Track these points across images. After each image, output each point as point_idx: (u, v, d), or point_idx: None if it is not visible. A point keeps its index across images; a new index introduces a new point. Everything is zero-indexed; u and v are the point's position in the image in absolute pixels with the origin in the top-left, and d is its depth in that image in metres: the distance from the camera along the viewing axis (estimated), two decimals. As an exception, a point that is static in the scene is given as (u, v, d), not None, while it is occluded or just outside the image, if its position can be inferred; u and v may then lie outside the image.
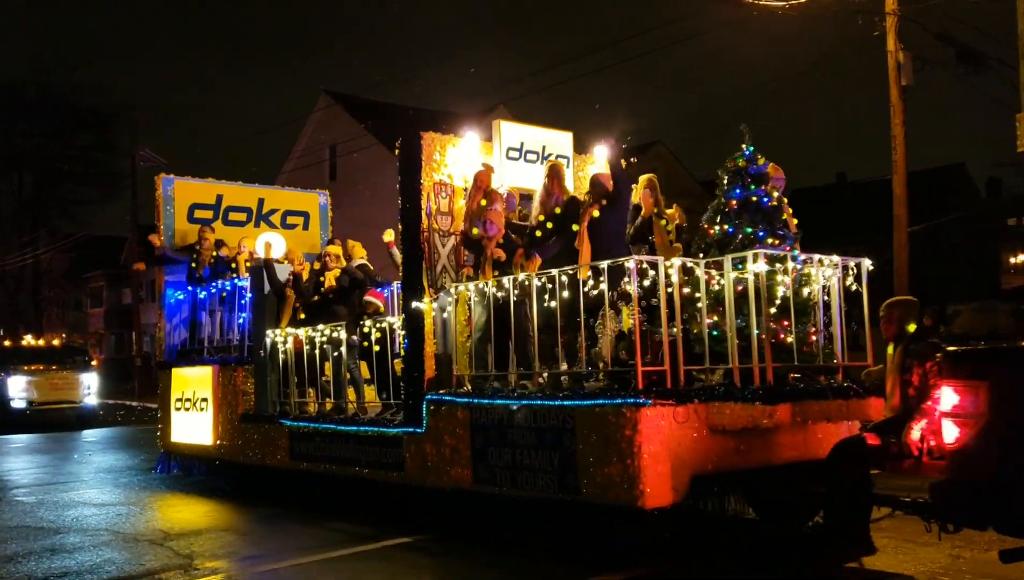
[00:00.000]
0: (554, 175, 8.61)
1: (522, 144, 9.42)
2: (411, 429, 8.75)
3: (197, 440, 12.41)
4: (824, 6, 16.75)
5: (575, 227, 8.00)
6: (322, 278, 10.47)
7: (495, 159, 9.24)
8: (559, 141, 9.74)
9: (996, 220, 45.33)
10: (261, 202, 14.85)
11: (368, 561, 7.50)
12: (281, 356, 10.92)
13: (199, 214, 14.18)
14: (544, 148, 9.58)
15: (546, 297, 7.65)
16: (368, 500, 9.52)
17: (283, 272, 11.36)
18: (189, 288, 13.13)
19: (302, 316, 10.73)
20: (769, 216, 7.42)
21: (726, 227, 7.45)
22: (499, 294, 8.11)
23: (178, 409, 12.94)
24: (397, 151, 9.03)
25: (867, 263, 7.57)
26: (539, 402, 7.42)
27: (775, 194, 7.53)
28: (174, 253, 13.70)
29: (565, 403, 7.18)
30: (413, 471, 8.76)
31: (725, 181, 7.61)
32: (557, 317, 7.57)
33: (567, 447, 7.15)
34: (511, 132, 9.37)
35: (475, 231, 8.38)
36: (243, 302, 12.03)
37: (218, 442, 11.96)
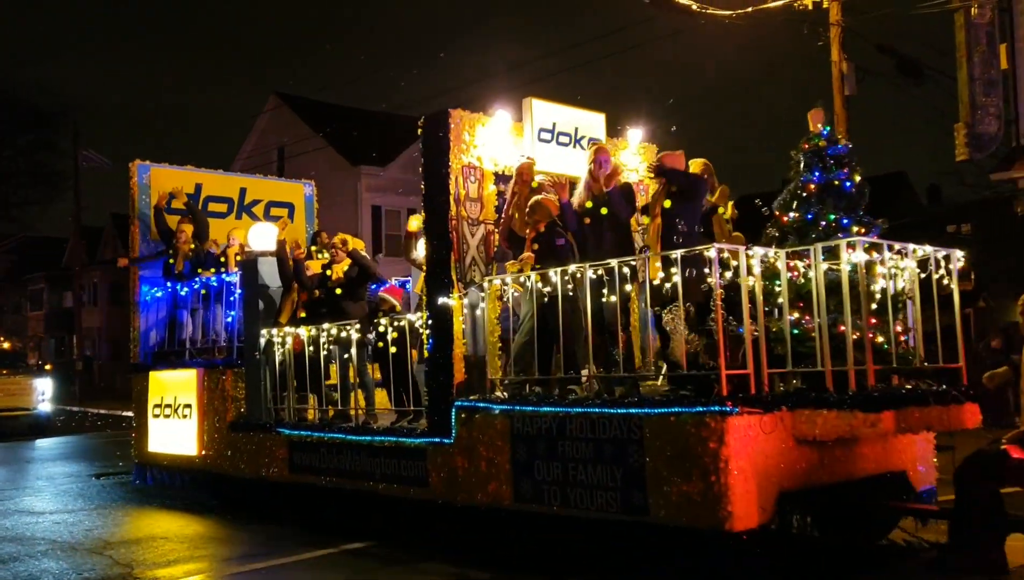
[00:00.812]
0: (600, 158, 7.79)
1: (554, 125, 8.56)
2: (437, 439, 7.85)
3: (179, 450, 11.35)
4: (771, 15, 16.81)
5: (644, 219, 7.16)
6: (328, 271, 9.49)
7: (526, 141, 8.38)
8: (592, 123, 8.90)
9: (936, 227, 45.77)
10: (243, 192, 13.83)
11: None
12: (278, 357, 9.93)
13: (177, 205, 13.10)
14: (576, 129, 8.74)
15: (604, 292, 6.82)
16: (382, 517, 8.57)
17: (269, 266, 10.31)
18: (168, 285, 12.06)
19: (302, 314, 9.73)
20: (852, 202, 6.68)
21: (804, 213, 6.68)
22: (545, 289, 7.24)
23: (156, 416, 11.85)
24: (420, 130, 8.12)
25: (959, 255, 6.85)
26: (598, 410, 6.56)
27: (857, 178, 6.78)
28: (149, 252, 12.64)
29: (632, 411, 6.33)
30: (439, 487, 7.85)
31: (801, 163, 6.85)
32: (617, 314, 6.74)
33: (633, 461, 6.31)
34: (543, 112, 8.50)
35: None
36: (231, 299, 11.01)
37: (203, 452, 10.92)
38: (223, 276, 11.18)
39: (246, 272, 10.48)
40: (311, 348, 9.45)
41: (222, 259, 11.50)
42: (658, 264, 6.51)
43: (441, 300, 7.84)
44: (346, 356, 9.07)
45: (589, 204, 7.49)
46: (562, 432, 6.80)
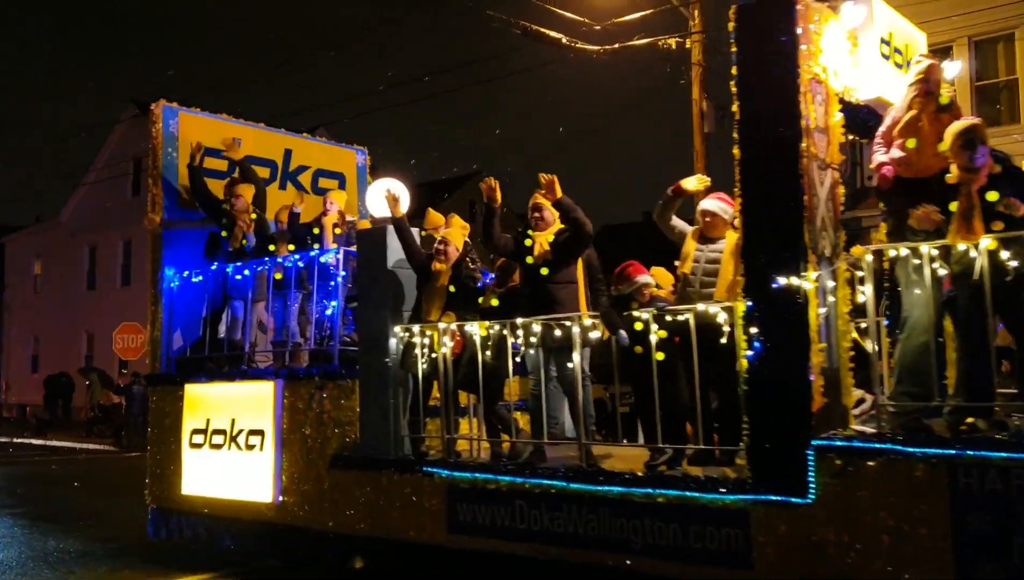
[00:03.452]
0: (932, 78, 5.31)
1: (891, 36, 5.96)
2: (774, 497, 5.08)
3: (237, 494, 8.13)
4: (636, 52, 17.34)
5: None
6: (528, 241, 6.55)
7: (865, 52, 5.75)
8: (920, 44, 6.36)
9: None
10: (288, 155, 10.71)
11: None
12: (422, 366, 6.95)
13: (210, 163, 9.91)
14: (907, 47, 6.17)
15: None
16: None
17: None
18: (213, 267, 8.86)
19: (494, 302, 6.80)
20: None
21: None
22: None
23: (196, 446, 8.59)
24: (734, 24, 5.36)
25: None
26: None
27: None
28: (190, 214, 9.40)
29: None
30: (773, 568, 5.07)
31: None
32: None
33: None
34: (885, 17, 5.89)
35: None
36: (332, 285, 7.94)
37: (282, 499, 7.77)
38: (310, 253, 8.10)
39: (367, 246, 7.44)
40: (487, 353, 6.54)
41: (315, 230, 8.40)
42: None
43: (782, 281, 5.09)
44: (571, 364, 6.15)
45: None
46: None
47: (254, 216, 8.83)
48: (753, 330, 5.17)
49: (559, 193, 6.27)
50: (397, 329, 7.14)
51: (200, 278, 9.00)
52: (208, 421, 8.49)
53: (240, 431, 8.16)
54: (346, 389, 7.52)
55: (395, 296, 7.30)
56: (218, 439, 8.36)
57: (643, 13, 17.05)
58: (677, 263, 6.21)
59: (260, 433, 7.99)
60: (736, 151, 5.32)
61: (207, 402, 8.56)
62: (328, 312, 7.90)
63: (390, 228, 7.29)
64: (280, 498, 7.78)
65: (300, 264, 8.14)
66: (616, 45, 17.16)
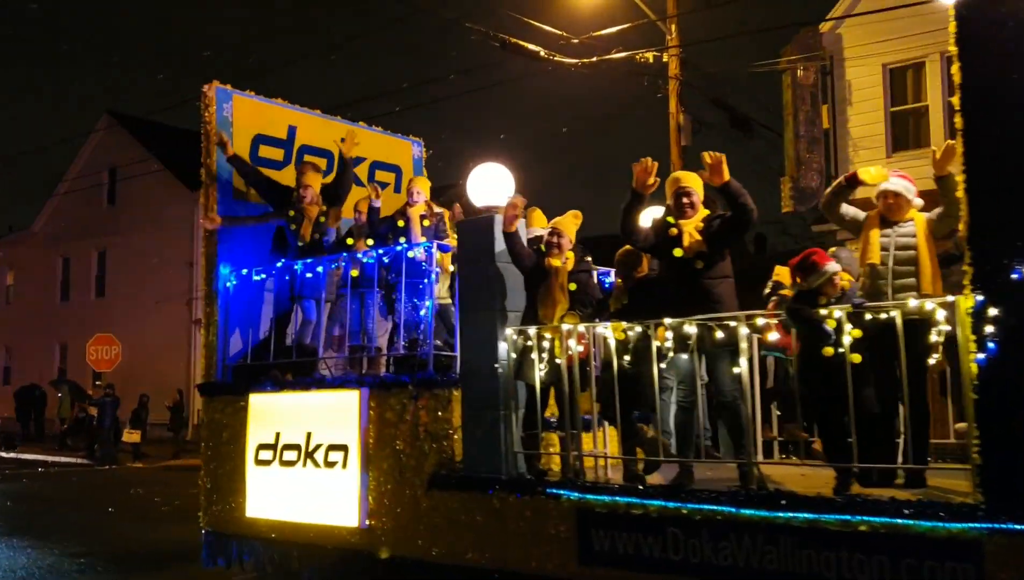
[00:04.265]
0: None
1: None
2: (1015, 526, 4.30)
3: (314, 518, 7.27)
4: (613, 66, 17.40)
5: None
6: (673, 230, 5.70)
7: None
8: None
9: (761, 274, 45.79)
10: (343, 145, 9.88)
11: None
12: (539, 374, 6.13)
13: (265, 152, 9.10)
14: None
15: None
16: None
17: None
18: (279, 264, 8.02)
19: (624, 301, 5.98)
20: None
21: None
22: None
23: (263, 463, 7.72)
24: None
25: None
26: None
27: None
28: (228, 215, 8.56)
29: None
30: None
31: None
32: None
33: None
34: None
35: None
36: (421, 285, 7.12)
37: (370, 523, 6.92)
38: (395, 248, 7.27)
39: (471, 238, 6.62)
40: (625, 358, 5.74)
41: (400, 223, 7.57)
42: None
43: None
44: (737, 370, 5.34)
45: None
46: None
47: (324, 208, 8.00)
48: (988, 329, 4.40)
49: (727, 175, 5.49)
50: (509, 331, 6.32)
51: (262, 277, 8.17)
52: (278, 435, 7.63)
53: (318, 446, 7.31)
54: (443, 399, 6.70)
55: (503, 294, 6.49)
56: (291, 455, 7.50)
57: (621, 27, 17.20)
58: (856, 253, 5.45)
59: (342, 448, 7.14)
60: (959, 120, 4.55)
61: (276, 414, 7.70)
62: (422, 312, 7.07)
63: (499, 217, 6.48)
64: (367, 522, 6.94)
65: (385, 259, 7.31)
66: (594, 58, 17.23)
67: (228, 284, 8.40)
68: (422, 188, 7.80)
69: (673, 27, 17.58)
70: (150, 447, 22.55)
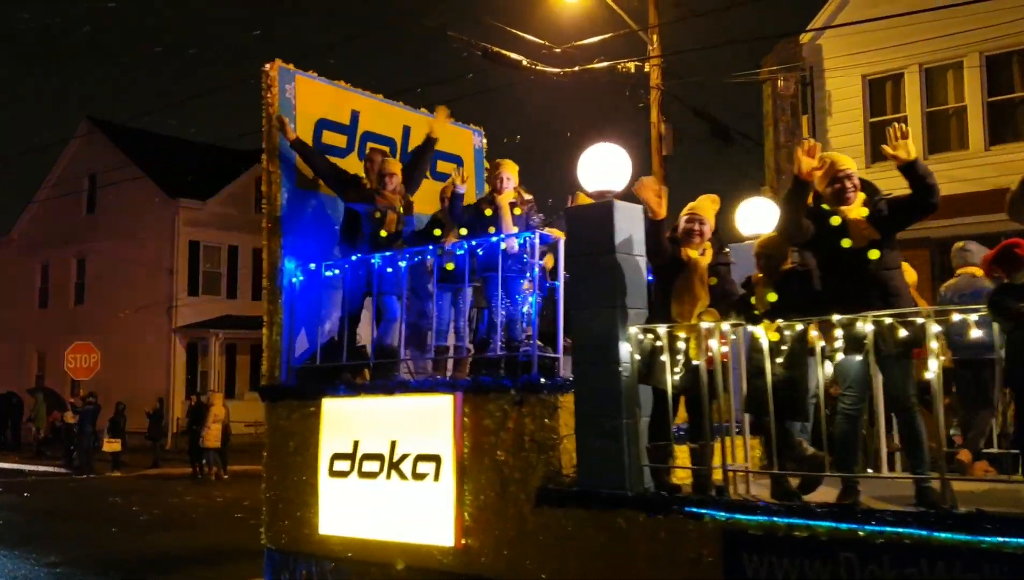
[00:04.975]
0: None
1: None
2: None
3: (400, 535, 6.58)
4: (596, 76, 17.42)
5: None
6: (834, 220, 5.02)
7: None
8: None
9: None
10: (407, 133, 9.27)
11: None
12: (671, 378, 5.47)
13: (328, 138, 8.45)
14: None
15: None
16: None
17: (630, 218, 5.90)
18: (354, 257, 7.35)
19: (771, 297, 5.29)
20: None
21: None
22: None
23: (340, 474, 7.03)
24: None
25: None
26: None
27: None
28: (291, 202, 7.89)
29: None
30: None
31: None
32: None
33: None
34: None
35: None
36: (523, 281, 6.45)
37: (466, 541, 6.24)
38: (489, 239, 6.60)
39: (585, 227, 5.94)
40: (779, 360, 5.09)
41: (487, 212, 6.90)
42: None
43: None
44: (929, 374, 4.67)
45: None
46: None
47: (401, 196, 7.35)
48: None
49: (914, 153, 4.84)
50: (634, 331, 5.66)
51: (335, 272, 7.49)
52: (356, 444, 6.94)
53: (404, 456, 6.62)
54: (549, 405, 6.04)
55: (623, 290, 5.83)
56: (371, 466, 6.81)
57: (603, 37, 17.21)
58: None
59: (434, 459, 6.45)
60: None
61: (354, 420, 7.01)
62: (525, 309, 6.40)
63: (618, 204, 5.82)
64: (463, 541, 6.26)
65: (479, 252, 6.64)
66: (576, 68, 17.25)
67: (294, 280, 7.73)
68: (511, 173, 7.13)
69: (655, 37, 17.57)
70: (128, 456, 21.93)
